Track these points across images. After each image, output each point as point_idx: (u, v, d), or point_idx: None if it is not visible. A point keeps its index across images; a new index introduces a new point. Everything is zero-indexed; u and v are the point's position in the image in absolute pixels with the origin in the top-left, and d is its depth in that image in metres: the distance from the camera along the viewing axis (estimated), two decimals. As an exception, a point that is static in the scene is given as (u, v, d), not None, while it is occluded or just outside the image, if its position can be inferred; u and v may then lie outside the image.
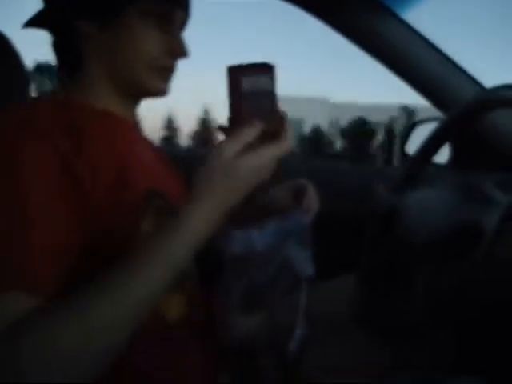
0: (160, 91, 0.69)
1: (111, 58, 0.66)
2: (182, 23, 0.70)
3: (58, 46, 0.68)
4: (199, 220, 0.51)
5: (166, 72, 0.68)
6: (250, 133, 0.52)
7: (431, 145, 0.80)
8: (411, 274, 0.67)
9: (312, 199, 0.77)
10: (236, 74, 0.52)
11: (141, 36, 0.64)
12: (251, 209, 0.79)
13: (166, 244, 0.50)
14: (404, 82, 0.99)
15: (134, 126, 0.73)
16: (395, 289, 0.71)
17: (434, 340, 0.76)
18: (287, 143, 0.53)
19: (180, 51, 0.67)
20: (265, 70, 0.52)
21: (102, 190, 0.57)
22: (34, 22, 0.67)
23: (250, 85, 0.52)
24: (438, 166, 0.94)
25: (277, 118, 0.54)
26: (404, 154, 1.04)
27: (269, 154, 0.52)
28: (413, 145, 1.02)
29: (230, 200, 0.52)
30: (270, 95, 0.53)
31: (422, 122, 1.06)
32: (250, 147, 0.51)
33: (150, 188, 0.64)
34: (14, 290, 0.46)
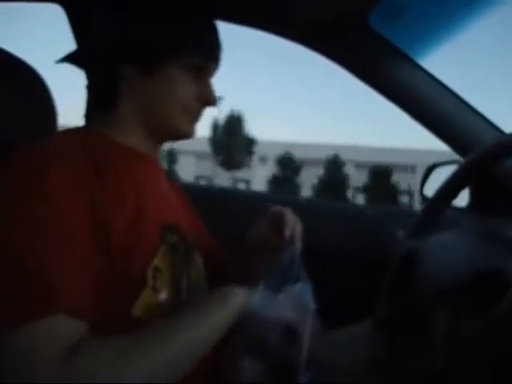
0: (188, 134, 0.73)
1: (147, 101, 0.68)
2: (213, 73, 0.73)
3: (93, 85, 0.70)
4: (238, 301, 0.59)
5: (196, 117, 0.72)
6: None
7: (450, 188, 0.80)
8: (431, 320, 0.65)
9: (292, 224, 0.72)
10: None
11: (179, 85, 0.67)
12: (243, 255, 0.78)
13: (214, 310, 0.58)
14: (423, 126, 1.00)
15: (155, 161, 0.75)
16: (415, 335, 0.69)
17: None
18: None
19: (211, 100, 0.71)
20: None
21: (122, 221, 0.59)
22: (73, 59, 0.70)
23: None
24: (457, 210, 0.92)
25: None
26: (423, 197, 1.03)
27: None
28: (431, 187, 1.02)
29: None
30: None
31: (441, 164, 1.05)
32: None
33: (166, 224, 0.66)
34: (57, 314, 0.49)
